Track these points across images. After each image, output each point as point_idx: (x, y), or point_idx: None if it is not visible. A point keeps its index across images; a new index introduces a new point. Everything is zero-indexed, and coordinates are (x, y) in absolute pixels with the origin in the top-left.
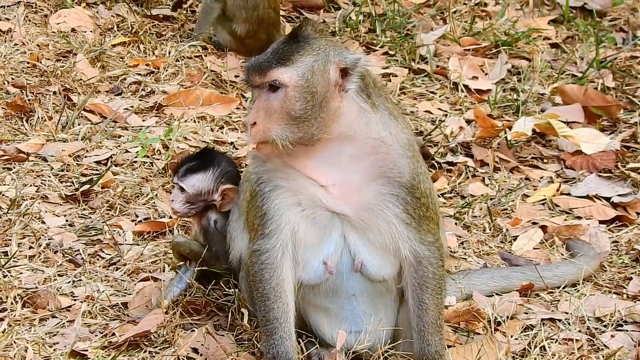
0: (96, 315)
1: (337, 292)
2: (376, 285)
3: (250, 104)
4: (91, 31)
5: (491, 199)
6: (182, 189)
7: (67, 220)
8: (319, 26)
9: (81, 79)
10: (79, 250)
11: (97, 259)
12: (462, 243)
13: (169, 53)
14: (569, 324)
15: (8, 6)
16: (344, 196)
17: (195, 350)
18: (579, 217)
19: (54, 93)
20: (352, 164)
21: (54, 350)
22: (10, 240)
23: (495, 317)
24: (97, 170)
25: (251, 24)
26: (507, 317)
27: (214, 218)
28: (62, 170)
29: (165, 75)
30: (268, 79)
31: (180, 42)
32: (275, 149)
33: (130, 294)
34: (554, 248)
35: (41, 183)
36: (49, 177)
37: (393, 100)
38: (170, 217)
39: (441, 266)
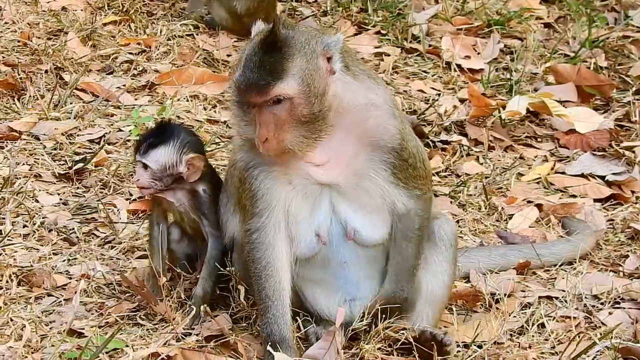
0: (92, 293)
1: (328, 262)
2: (368, 251)
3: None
4: (82, 10)
5: (486, 178)
6: (145, 166)
7: (61, 199)
8: (286, 20)
9: (72, 58)
10: (73, 228)
11: (92, 238)
12: (457, 222)
13: (161, 32)
14: (566, 301)
15: None
16: (337, 168)
17: (192, 327)
18: (574, 196)
19: (46, 72)
20: (345, 136)
21: (51, 328)
22: (4, 218)
23: (493, 294)
24: (90, 148)
25: (253, 2)
26: (505, 295)
27: (202, 187)
28: (55, 149)
29: (157, 54)
30: (271, 96)
31: (171, 21)
32: (292, 154)
33: (125, 272)
34: (549, 226)
35: (34, 161)
36: (42, 155)
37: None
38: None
39: (426, 218)
